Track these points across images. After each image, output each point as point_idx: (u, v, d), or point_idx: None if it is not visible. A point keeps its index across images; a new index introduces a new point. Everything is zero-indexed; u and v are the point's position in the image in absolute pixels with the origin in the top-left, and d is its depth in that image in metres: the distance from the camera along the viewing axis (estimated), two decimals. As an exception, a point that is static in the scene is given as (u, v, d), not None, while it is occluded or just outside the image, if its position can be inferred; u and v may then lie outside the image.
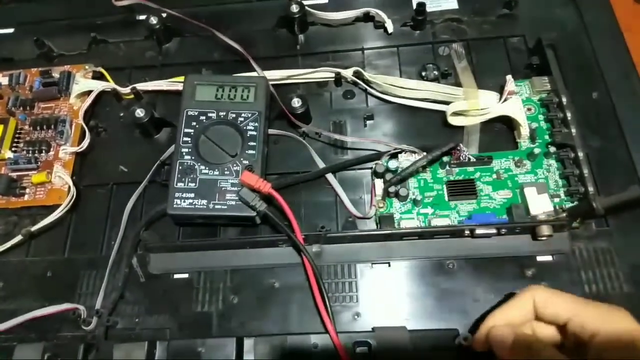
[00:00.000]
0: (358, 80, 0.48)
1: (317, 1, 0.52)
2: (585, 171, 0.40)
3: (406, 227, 0.41)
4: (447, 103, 0.45)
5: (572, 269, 0.39)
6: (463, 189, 0.42)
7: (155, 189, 0.45)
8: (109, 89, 0.49)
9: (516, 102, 0.44)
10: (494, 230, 0.39)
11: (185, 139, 0.42)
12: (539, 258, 0.40)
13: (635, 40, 0.48)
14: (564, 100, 0.42)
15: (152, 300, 0.41)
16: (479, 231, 0.39)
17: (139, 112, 0.46)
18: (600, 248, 0.40)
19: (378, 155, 0.44)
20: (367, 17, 0.51)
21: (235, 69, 0.49)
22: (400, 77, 0.48)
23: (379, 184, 0.43)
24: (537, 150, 0.42)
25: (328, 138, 0.46)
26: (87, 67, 0.51)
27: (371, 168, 0.44)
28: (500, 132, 0.45)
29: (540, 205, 0.40)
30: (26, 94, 0.50)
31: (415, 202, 0.42)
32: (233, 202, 0.40)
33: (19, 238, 0.43)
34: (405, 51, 0.50)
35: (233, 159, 0.42)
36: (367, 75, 0.47)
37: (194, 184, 0.41)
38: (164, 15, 0.51)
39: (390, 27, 0.50)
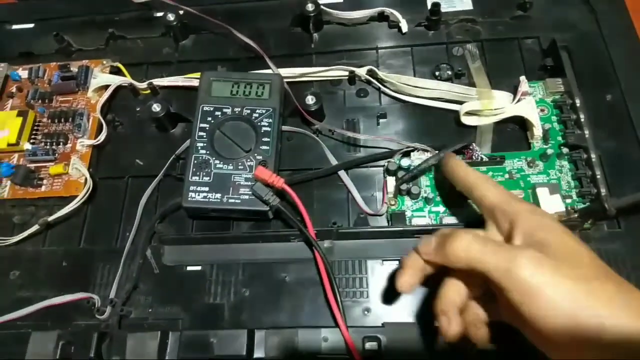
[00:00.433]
0: (372, 79, 0.48)
1: (333, 0, 0.53)
2: (598, 173, 0.40)
3: (417, 224, 0.41)
4: (460, 103, 0.45)
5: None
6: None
7: (170, 182, 0.45)
8: (126, 84, 0.50)
9: (530, 103, 0.44)
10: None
11: (201, 133, 0.43)
12: (550, 258, 0.40)
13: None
14: (578, 101, 0.42)
15: (165, 291, 0.42)
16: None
17: (156, 107, 0.46)
18: (612, 250, 0.40)
19: (390, 153, 0.44)
20: (381, 17, 0.52)
21: (250, 66, 0.50)
22: (414, 76, 0.48)
23: (391, 181, 0.43)
24: (549, 151, 0.42)
25: (341, 136, 0.46)
26: (104, 62, 0.52)
27: (383, 166, 0.44)
28: (513, 132, 0.45)
29: (552, 205, 0.40)
30: (45, 88, 0.51)
31: (427, 200, 0.42)
32: (246, 197, 0.41)
33: (35, 228, 0.44)
34: (419, 51, 0.50)
35: (247, 154, 0.42)
36: (381, 74, 0.47)
37: (208, 178, 0.41)
38: (181, 12, 0.52)
39: (404, 26, 0.50)
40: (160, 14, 0.54)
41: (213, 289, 0.41)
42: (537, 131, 0.43)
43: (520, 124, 0.45)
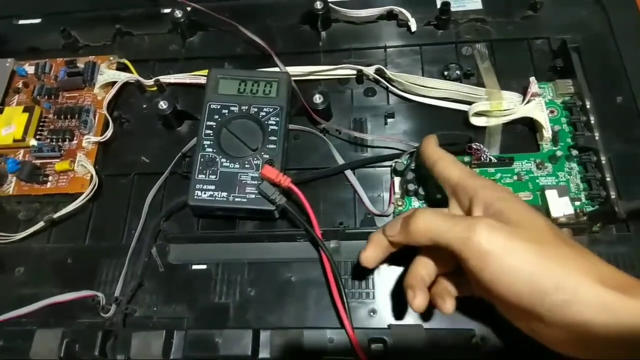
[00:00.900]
0: (380, 78, 0.48)
1: (341, -2, 0.53)
2: (607, 175, 0.39)
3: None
4: (469, 103, 0.45)
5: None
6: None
7: (176, 180, 0.45)
8: (133, 81, 0.50)
9: (539, 104, 0.43)
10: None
11: (208, 131, 0.43)
12: (558, 261, 0.39)
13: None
14: (588, 103, 0.42)
15: (170, 290, 0.41)
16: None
17: (162, 104, 0.46)
18: (621, 253, 0.39)
19: (398, 154, 0.44)
20: (390, 15, 0.51)
21: (257, 64, 0.49)
22: (422, 76, 0.48)
23: (398, 182, 0.43)
24: (559, 153, 0.42)
25: (348, 135, 0.46)
26: (111, 58, 0.52)
27: (390, 166, 0.43)
28: (522, 133, 0.45)
29: (561, 208, 0.39)
30: (51, 83, 0.51)
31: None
32: (253, 195, 0.41)
33: (40, 224, 0.44)
34: (428, 50, 0.50)
35: (254, 153, 0.42)
36: (389, 73, 0.47)
37: (214, 176, 0.41)
38: (189, 9, 0.52)
39: (413, 25, 0.50)
40: (167, 11, 0.54)
41: (218, 288, 0.41)
42: (547, 133, 0.43)
43: (530, 125, 0.44)
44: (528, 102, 0.44)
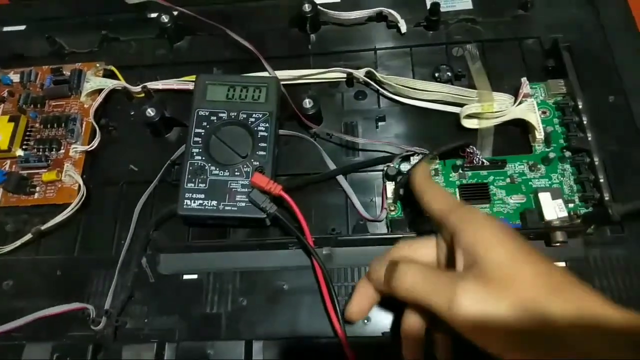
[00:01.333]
0: (370, 81, 0.47)
1: (330, 0, 0.52)
2: (601, 177, 0.39)
3: (418, 230, 0.40)
4: (460, 105, 0.44)
5: (586, 276, 0.39)
6: (476, 193, 0.41)
7: (166, 188, 0.44)
8: (120, 88, 0.49)
9: (531, 105, 0.43)
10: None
11: (196, 139, 0.42)
12: (553, 264, 0.39)
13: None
14: (580, 103, 0.42)
15: (161, 301, 0.41)
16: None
17: (150, 112, 0.45)
18: (615, 255, 0.39)
19: (390, 158, 0.43)
20: (380, 17, 0.51)
21: (246, 68, 0.49)
22: (413, 78, 0.47)
23: (391, 186, 0.42)
24: (552, 155, 0.41)
25: (339, 139, 0.45)
26: (98, 65, 0.51)
27: (383, 170, 0.43)
28: (514, 135, 0.44)
29: (554, 210, 0.39)
30: (37, 92, 0.50)
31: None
32: (243, 204, 0.40)
33: (28, 237, 0.43)
34: (418, 52, 0.49)
35: (244, 160, 0.42)
36: (380, 75, 0.46)
37: (204, 185, 0.41)
38: (176, 13, 0.51)
39: (403, 27, 0.49)
40: (154, 15, 0.53)
41: (210, 298, 0.40)
42: (539, 134, 0.42)
43: (522, 126, 0.44)
44: (520, 103, 0.43)
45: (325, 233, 0.42)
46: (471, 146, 0.41)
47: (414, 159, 0.42)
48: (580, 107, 0.42)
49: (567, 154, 0.41)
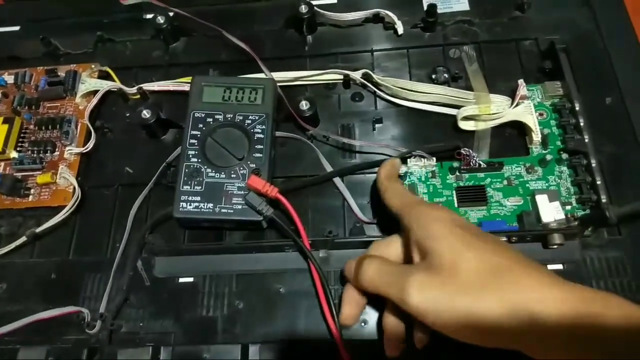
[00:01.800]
0: (367, 83, 0.47)
1: (327, 1, 0.52)
2: (598, 179, 0.39)
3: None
4: (457, 107, 0.44)
5: (583, 278, 0.38)
6: (473, 195, 0.41)
7: (161, 191, 0.44)
8: (115, 89, 0.49)
9: (528, 107, 0.43)
10: (504, 238, 0.38)
11: (192, 141, 0.42)
12: (550, 267, 0.39)
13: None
14: (577, 105, 0.42)
15: (157, 304, 0.40)
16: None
17: (145, 113, 0.45)
18: (612, 257, 0.39)
19: (386, 160, 0.43)
20: (376, 18, 0.51)
21: (242, 69, 0.48)
22: (410, 79, 0.47)
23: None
24: (548, 157, 0.41)
25: (336, 141, 0.45)
26: (93, 66, 0.50)
27: (379, 172, 0.43)
28: (511, 137, 0.44)
29: (551, 213, 0.39)
30: (32, 93, 0.50)
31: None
32: (239, 206, 0.40)
33: (23, 239, 0.43)
34: (415, 53, 0.49)
35: (240, 162, 0.41)
36: (376, 77, 0.46)
37: (200, 187, 0.40)
38: (171, 14, 0.51)
39: (400, 28, 0.49)
40: (150, 16, 0.53)
41: (206, 301, 0.40)
42: (536, 136, 0.42)
43: (519, 128, 0.44)
44: (517, 105, 0.43)
45: (321, 235, 0.41)
46: (468, 149, 0.41)
47: (411, 161, 0.42)
48: (577, 109, 0.42)
49: (564, 156, 0.41)
